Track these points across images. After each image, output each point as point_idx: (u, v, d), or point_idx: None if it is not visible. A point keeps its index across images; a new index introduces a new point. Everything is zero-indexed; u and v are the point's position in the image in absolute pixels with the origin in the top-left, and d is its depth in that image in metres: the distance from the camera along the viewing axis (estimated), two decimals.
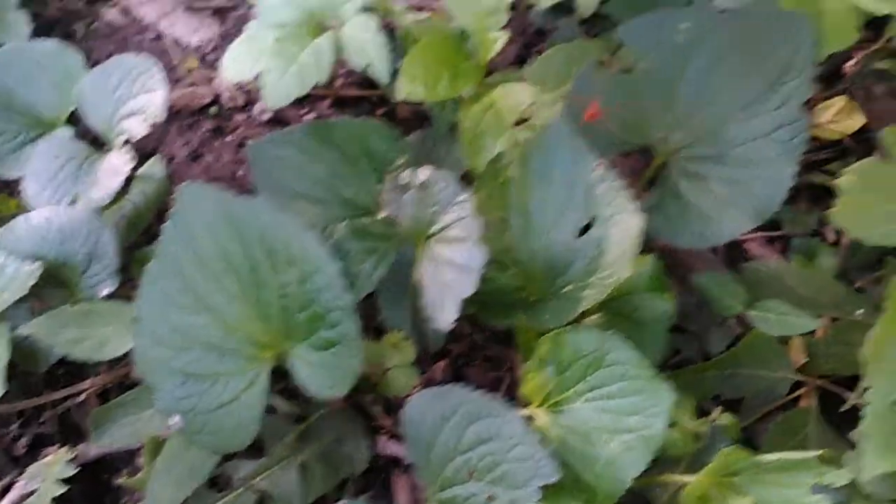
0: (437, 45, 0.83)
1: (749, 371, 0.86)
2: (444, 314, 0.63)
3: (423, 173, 0.69)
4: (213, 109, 1.10)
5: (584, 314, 0.76)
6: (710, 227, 0.75)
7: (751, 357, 0.85)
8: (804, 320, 0.79)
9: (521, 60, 1.23)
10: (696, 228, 0.76)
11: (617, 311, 0.75)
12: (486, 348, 0.91)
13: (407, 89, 0.80)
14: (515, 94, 0.82)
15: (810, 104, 1.18)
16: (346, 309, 0.62)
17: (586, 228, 0.70)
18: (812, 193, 1.10)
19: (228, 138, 1.10)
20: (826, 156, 1.16)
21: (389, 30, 0.94)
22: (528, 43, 1.25)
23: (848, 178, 0.64)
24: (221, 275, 0.65)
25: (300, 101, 1.15)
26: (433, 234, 0.68)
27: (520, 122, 0.81)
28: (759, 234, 1.00)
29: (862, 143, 1.13)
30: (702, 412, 0.79)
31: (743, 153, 0.76)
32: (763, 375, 0.87)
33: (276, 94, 0.84)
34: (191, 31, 1.21)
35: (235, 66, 0.88)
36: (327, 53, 0.85)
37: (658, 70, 0.78)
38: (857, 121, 1.12)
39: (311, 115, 1.13)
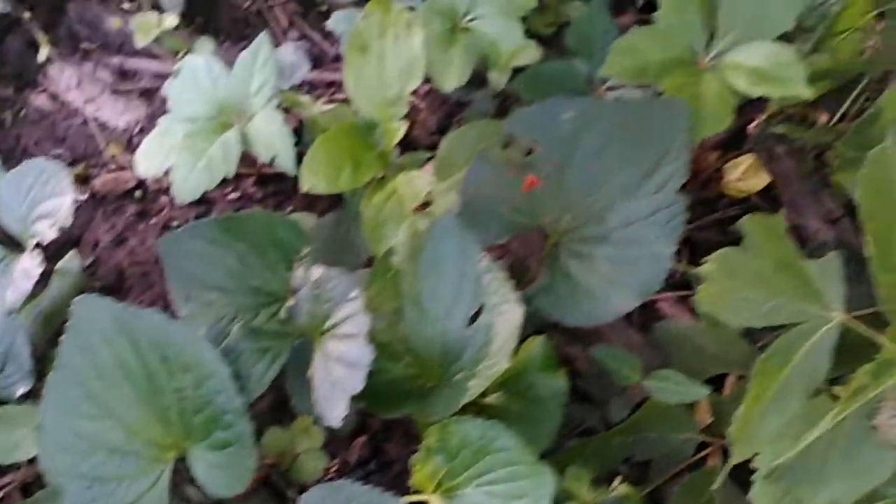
0: (339, 137, 0.87)
1: (655, 434, 0.90)
2: (334, 411, 0.66)
3: (317, 271, 0.72)
4: (137, 193, 1.13)
5: (484, 394, 0.80)
6: (598, 306, 0.79)
7: (655, 421, 0.88)
8: (697, 389, 0.83)
9: (442, 130, 1.27)
10: (584, 307, 0.79)
11: (514, 391, 0.79)
12: (405, 423, 0.93)
13: (308, 182, 0.83)
14: (415, 182, 0.86)
15: (721, 163, 1.24)
16: (238, 411, 0.65)
17: (477, 316, 0.74)
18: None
19: (153, 221, 1.13)
20: (735, 213, 1.21)
21: (299, 121, 0.98)
22: (449, 112, 1.29)
23: (709, 266, 0.68)
24: (120, 383, 0.68)
25: (225, 181, 1.19)
26: (327, 330, 0.71)
27: (420, 208, 0.84)
28: (671, 294, 1.04)
29: (768, 201, 1.19)
30: (613, 476, 0.82)
31: (626, 235, 0.80)
32: (669, 438, 0.90)
33: (185, 189, 0.88)
34: (117, 114, 1.24)
35: (147, 161, 0.91)
36: (234, 147, 0.89)
37: (547, 157, 0.83)
38: (763, 179, 1.17)
39: (236, 195, 1.16)
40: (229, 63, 1.03)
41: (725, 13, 0.88)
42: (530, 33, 1.23)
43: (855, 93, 1.00)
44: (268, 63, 0.91)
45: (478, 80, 1.20)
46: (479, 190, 0.83)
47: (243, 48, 1.29)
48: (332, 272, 0.71)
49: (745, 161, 1.20)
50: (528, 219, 0.84)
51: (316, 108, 0.91)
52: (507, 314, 0.71)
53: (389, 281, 0.74)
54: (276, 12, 1.37)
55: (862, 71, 0.91)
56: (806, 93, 0.80)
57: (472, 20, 1.04)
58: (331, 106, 0.91)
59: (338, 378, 0.66)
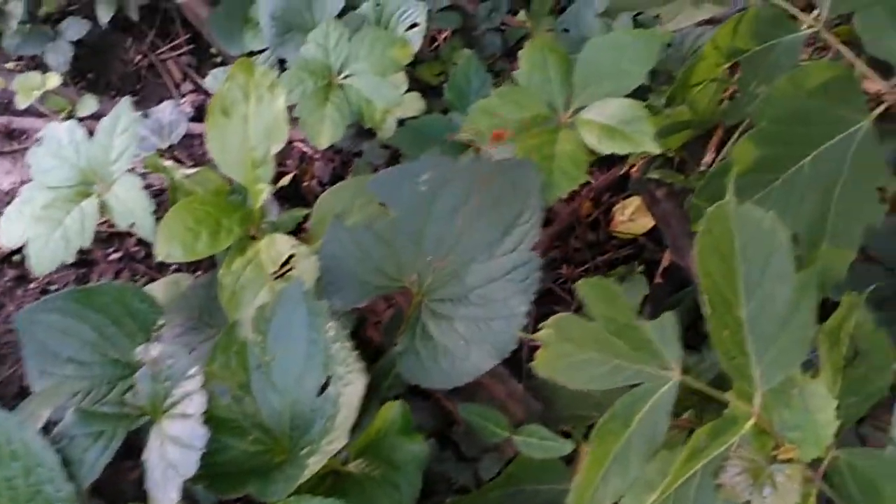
0: (197, 202, 0.86)
1: (532, 486, 0.89)
2: (167, 496, 0.64)
3: (156, 348, 0.71)
4: (17, 257, 1.11)
5: (346, 461, 0.79)
6: (457, 367, 0.79)
7: (529, 474, 0.88)
8: (562, 444, 0.82)
9: (336, 180, 1.27)
10: (444, 368, 0.79)
11: (375, 456, 0.78)
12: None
13: (163, 250, 0.82)
14: (277, 245, 0.85)
15: (610, 204, 1.25)
16: (68, 499, 0.63)
17: (326, 386, 0.73)
18: None
19: (32, 285, 1.10)
20: (626, 253, 1.22)
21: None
22: (344, 161, 1.29)
23: (546, 331, 0.68)
24: None
25: (107, 240, 1.17)
26: (165, 410, 0.69)
27: (281, 273, 0.83)
28: None
29: (655, 241, 1.20)
30: None
31: (484, 294, 0.80)
32: (546, 490, 0.90)
33: (42, 261, 0.86)
34: (2, 174, 1.21)
35: (9, 230, 0.89)
36: (91, 217, 0.87)
37: (406, 218, 0.82)
38: (650, 220, 1.19)
39: (118, 254, 1.14)
40: None
41: (581, 69, 0.89)
42: (419, 83, 1.25)
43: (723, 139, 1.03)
44: (129, 129, 0.90)
45: (369, 130, 1.21)
46: (338, 253, 0.82)
47: (136, 104, 1.28)
48: (171, 349, 0.70)
49: (632, 203, 1.22)
50: (391, 280, 0.83)
51: (180, 172, 0.90)
52: (353, 385, 0.70)
53: (236, 354, 0.73)
54: (169, 65, 1.36)
55: (721, 120, 0.93)
56: (654, 149, 0.81)
57: (346, 77, 1.04)
58: (195, 170, 0.90)
59: (172, 460, 0.65)
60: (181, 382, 0.68)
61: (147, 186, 1.10)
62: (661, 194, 1.12)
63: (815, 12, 0.88)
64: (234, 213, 0.86)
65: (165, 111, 1.08)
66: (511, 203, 0.80)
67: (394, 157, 1.19)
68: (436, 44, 1.41)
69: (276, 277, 0.83)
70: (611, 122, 0.84)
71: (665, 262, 1.17)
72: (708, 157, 1.13)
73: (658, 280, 1.13)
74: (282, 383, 0.73)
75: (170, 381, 0.69)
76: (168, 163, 0.89)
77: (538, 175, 0.80)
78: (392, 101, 1.01)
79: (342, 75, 1.04)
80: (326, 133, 0.99)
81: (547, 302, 1.18)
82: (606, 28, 1.01)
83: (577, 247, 1.20)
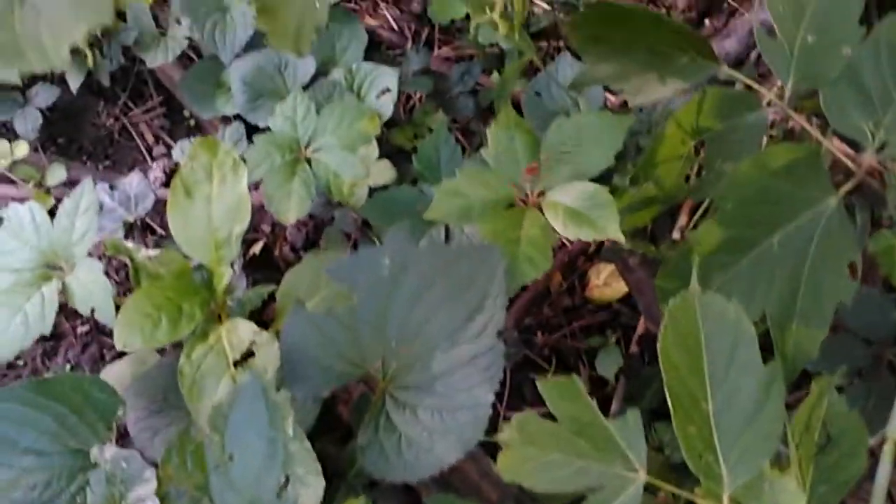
0: (158, 287, 0.84)
1: None
2: None
3: (110, 450, 0.69)
4: None
5: None
6: (421, 459, 0.77)
7: None
8: None
9: (310, 246, 1.26)
10: (408, 460, 0.77)
11: None
12: None
13: (122, 338, 0.80)
14: (239, 331, 0.84)
15: (585, 269, 1.24)
16: None
17: (286, 485, 0.71)
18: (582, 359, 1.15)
19: None
20: (601, 319, 1.21)
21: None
22: (317, 226, 1.29)
23: (508, 433, 0.67)
24: None
25: (76, 312, 1.15)
26: None
27: (241, 361, 0.82)
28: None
29: (630, 307, 1.19)
30: None
31: (447, 382, 0.78)
32: None
33: (1, 348, 0.84)
34: None
35: None
36: (52, 303, 0.86)
37: (368, 303, 0.81)
38: (625, 285, 1.18)
39: (85, 328, 1.12)
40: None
41: (547, 150, 0.89)
42: (391, 147, 1.24)
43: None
44: (90, 209, 0.88)
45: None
46: (300, 340, 0.81)
47: (107, 168, 1.28)
48: (124, 452, 0.68)
49: (607, 268, 1.21)
50: (354, 367, 0.82)
51: (143, 254, 0.88)
52: (312, 487, 0.69)
53: (192, 454, 0.71)
54: (142, 128, 1.35)
55: (687, 197, 0.93)
56: (619, 237, 0.80)
57: (314, 150, 1.04)
58: (157, 252, 0.89)
59: None
60: (136, 486, 0.67)
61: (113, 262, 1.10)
62: (634, 262, 1.11)
63: (779, 88, 0.88)
64: (195, 297, 0.85)
65: (132, 183, 1.07)
66: (475, 289, 0.79)
67: (366, 224, 1.19)
68: (411, 103, 1.41)
69: (238, 365, 0.82)
70: (576, 205, 0.83)
71: (640, 330, 1.16)
72: (679, 226, 1.13)
73: (633, 349, 1.12)
74: (240, 482, 0.71)
75: (124, 483, 0.67)
76: (130, 244, 0.88)
77: (502, 260, 0.79)
78: (360, 175, 1.00)
79: (310, 149, 1.03)
80: (293, 209, 0.98)
81: (524, 370, 1.17)
82: (574, 101, 1.01)
83: (552, 313, 1.19)
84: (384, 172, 1.11)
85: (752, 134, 0.88)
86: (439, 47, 1.49)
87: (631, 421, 0.67)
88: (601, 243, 1.19)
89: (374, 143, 1.12)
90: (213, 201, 0.88)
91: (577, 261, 1.23)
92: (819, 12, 0.86)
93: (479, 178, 0.88)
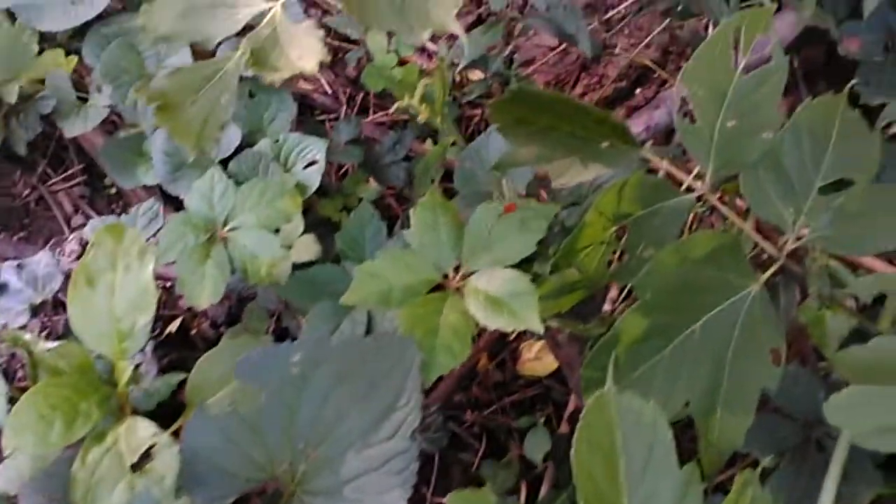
0: (53, 384, 0.79)
1: None
2: None
3: None
4: None
5: None
6: None
7: None
8: None
9: (232, 321, 1.21)
10: None
11: None
12: None
13: (12, 442, 0.75)
14: (138, 431, 0.79)
15: (517, 342, 1.22)
16: None
17: None
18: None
19: None
20: (533, 393, 1.19)
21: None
22: (241, 298, 1.24)
23: None
24: None
25: None
26: None
27: (140, 465, 0.77)
28: None
29: (561, 382, 1.17)
30: None
31: (357, 487, 0.74)
32: None
33: None
34: None
35: None
36: None
37: (276, 402, 0.77)
38: (555, 361, 1.16)
39: None
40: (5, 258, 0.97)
41: (471, 234, 0.87)
42: (318, 219, 1.21)
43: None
44: None
45: None
46: (202, 443, 0.76)
47: (22, 240, 1.22)
48: None
49: (538, 344, 1.19)
50: (260, 471, 0.77)
51: (41, 346, 0.83)
52: None
53: None
54: (60, 197, 1.30)
55: (611, 281, 0.91)
56: (538, 328, 0.78)
57: (231, 230, 1.00)
58: (56, 344, 0.84)
59: None
60: None
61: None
62: (563, 339, 1.09)
63: (697, 173, 0.88)
64: (94, 395, 0.80)
65: (41, 263, 1.02)
66: (388, 386, 0.76)
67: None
68: (344, 169, 1.39)
69: (137, 469, 0.77)
70: (497, 293, 0.81)
71: (571, 407, 1.13)
72: (611, 297, 1.11)
73: (563, 430, 1.09)
74: None
75: None
76: (28, 335, 0.83)
77: (417, 354, 0.76)
78: (278, 256, 0.97)
79: (227, 228, 0.99)
80: (206, 294, 0.94)
81: (453, 449, 1.13)
82: (498, 183, 1.00)
83: (481, 390, 1.16)
84: (308, 248, 1.07)
85: (673, 219, 0.86)
86: (373, 112, 1.47)
87: None
88: None
89: (300, 217, 1.09)
90: (117, 291, 0.83)
91: (508, 334, 1.20)
92: (739, 97, 0.86)
93: (401, 260, 0.85)
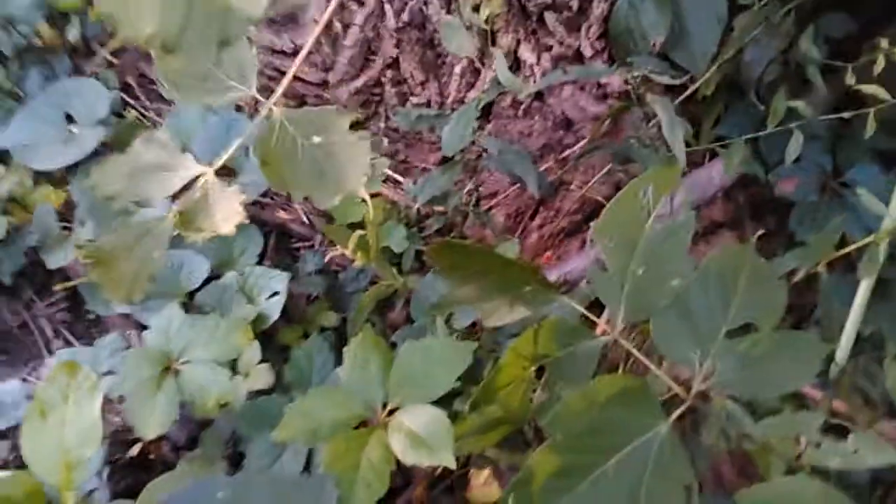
0: None
1: None
2: None
3: None
4: None
5: None
6: None
7: None
8: None
9: (192, 443, 1.26)
10: None
11: None
12: None
13: None
14: None
15: (465, 469, 1.25)
16: None
17: None
18: None
19: None
20: None
21: None
22: (204, 423, 1.29)
23: None
24: None
25: None
26: None
27: None
28: None
29: None
30: None
31: None
32: None
33: None
34: None
35: None
36: None
37: None
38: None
39: None
40: None
41: (397, 372, 0.93)
42: (278, 347, 1.28)
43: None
44: None
45: None
46: None
47: (2, 364, 1.29)
48: None
49: (486, 470, 1.23)
50: None
51: None
52: None
53: None
54: (42, 322, 1.38)
55: (532, 417, 0.96)
56: (450, 463, 0.82)
57: (184, 363, 1.07)
58: (9, 474, 0.90)
59: None
60: None
61: None
62: (505, 466, 1.13)
63: (608, 319, 0.94)
64: None
65: (11, 390, 1.09)
66: None
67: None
68: (314, 297, 1.46)
69: None
70: (418, 429, 0.86)
71: None
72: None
73: None
74: None
75: None
76: None
77: (334, 492, 0.80)
78: (227, 391, 1.03)
79: (181, 361, 1.06)
80: (154, 425, 1.00)
81: None
82: (432, 321, 1.06)
83: None
84: (264, 376, 1.13)
85: (587, 360, 0.92)
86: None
87: None
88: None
89: (257, 346, 1.16)
90: (67, 424, 0.90)
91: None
92: (648, 246, 0.93)
93: (330, 398, 0.91)
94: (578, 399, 0.85)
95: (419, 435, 0.85)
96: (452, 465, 0.82)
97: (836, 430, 0.83)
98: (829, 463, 0.81)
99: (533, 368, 0.93)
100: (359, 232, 0.95)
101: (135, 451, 1.19)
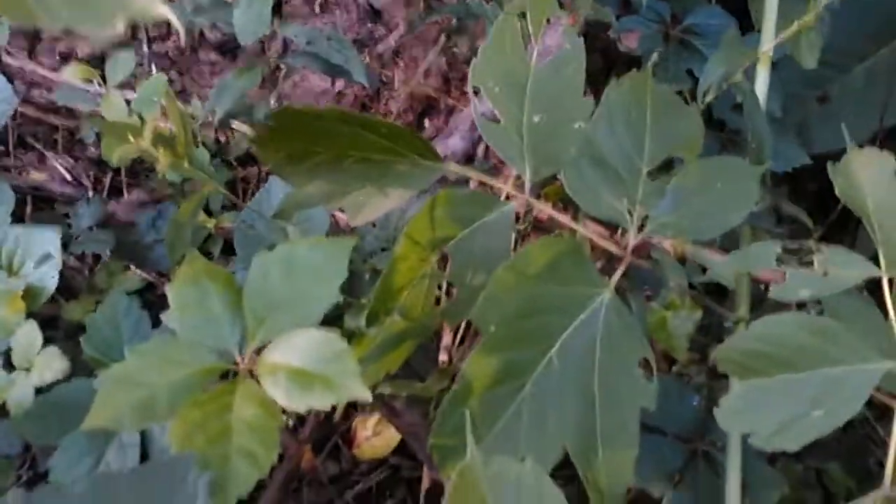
0: None
1: None
2: None
3: None
4: None
5: None
6: None
7: None
8: None
9: None
10: None
11: None
12: None
13: None
14: None
15: (347, 424, 1.02)
16: None
17: None
18: None
19: None
20: (380, 478, 0.98)
21: None
22: None
23: None
24: None
25: None
26: None
27: None
28: None
29: (410, 457, 0.98)
30: None
31: None
32: None
33: None
34: None
35: None
36: None
37: None
38: (396, 434, 0.97)
39: None
40: None
41: (252, 299, 0.67)
42: (69, 326, 0.95)
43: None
44: None
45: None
46: None
47: None
48: None
49: (373, 417, 1.00)
50: None
51: None
52: None
53: None
54: None
55: (442, 324, 0.75)
56: (365, 395, 0.59)
57: None
58: None
59: None
60: None
61: None
62: (401, 405, 0.91)
63: (516, 178, 0.75)
64: None
65: None
66: None
67: None
68: (100, 262, 1.13)
69: None
70: (303, 363, 0.61)
71: (426, 483, 0.95)
72: (444, 346, 0.95)
73: None
74: None
75: None
76: None
77: (200, 476, 0.54)
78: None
79: None
80: None
81: None
82: (284, 233, 0.81)
83: (316, 493, 0.95)
84: (51, 364, 0.81)
85: (497, 235, 0.72)
86: (128, 193, 1.23)
87: None
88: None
89: (34, 326, 0.83)
90: None
91: (332, 416, 1.00)
92: (539, 87, 0.75)
93: (161, 353, 0.63)
94: (505, 275, 0.65)
95: (306, 370, 0.60)
96: (368, 397, 0.58)
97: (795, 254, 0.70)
98: (799, 295, 0.67)
99: (434, 260, 0.71)
100: (154, 122, 0.67)
101: None
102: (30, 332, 0.83)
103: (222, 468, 0.57)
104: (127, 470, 0.58)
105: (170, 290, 0.68)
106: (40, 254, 0.92)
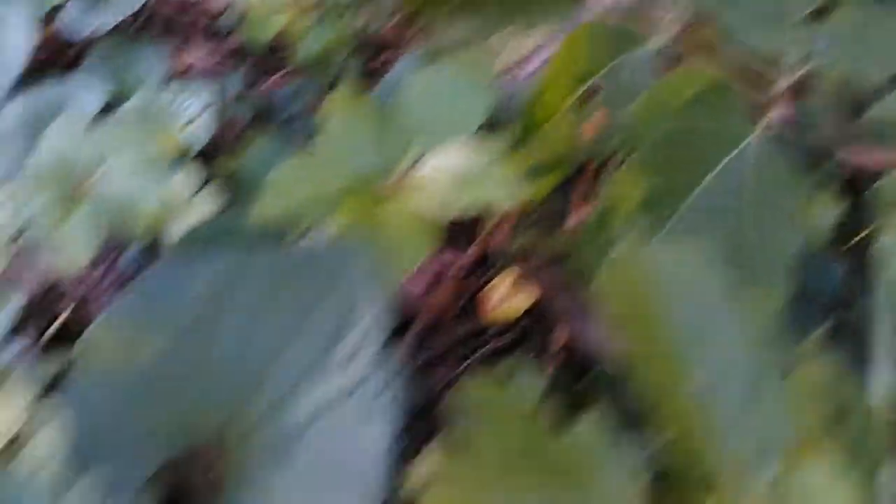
0: None
1: None
2: None
3: None
4: None
5: None
6: None
7: None
8: None
9: None
10: None
11: None
12: None
13: None
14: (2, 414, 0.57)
15: (476, 288, 1.04)
16: None
17: None
18: None
19: None
20: (508, 341, 1.01)
21: None
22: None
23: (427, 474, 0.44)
24: None
25: None
26: None
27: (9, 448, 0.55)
28: None
29: (539, 321, 1.00)
30: None
31: (324, 427, 0.55)
32: None
33: None
34: None
35: None
36: None
37: (184, 341, 0.56)
38: (528, 297, 0.99)
39: None
40: None
41: (400, 121, 0.69)
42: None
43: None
44: None
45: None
46: (91, 410, 0.55)
47: None
48: None
49: (503, 281, 1.02)
50: (180, 433, 0.56)
51: None
52: None
53: None
54: None
55: (590, 155, 0.76)
56: (513, 195, 0.61)
57: (99, 179, 0.79)
58: None
59: None
60: None
61: None
62: (537, 264, 0.93)
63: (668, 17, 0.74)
64: None
65: None
66: (333, 301, 0.57)
67: None
68: (236, 132, 1.19)
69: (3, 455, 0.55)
70: (460, 168, 0.64)
71: (559, 343, 0.97)
72: (580, 195, 0.96)
73: (553, 369, 0.93)
74: None
75: None
76: None
77: (366, 257, 0.57)
78: (163, 201, 0.76)
79: (95, 176, 0.78)
80: (79, 252, 0.72)
81: (423, 418, 0.94)
82: None
83: (448, 347, 0.98)
84: (204, 205, 0.87)
85: (642, 73, 0.72)
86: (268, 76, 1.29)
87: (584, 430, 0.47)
88: (486, 256, 1.01)
89: (196, 169, 0.89)
90: None
91: (464, 283, 1.02)
92: None
93: (315, 168, 0.66)
94: (652, 99, 0.65)
95: (463, 174, 0.62)
96: (514, 197, 0.60)
97: None
98: None
99: (577, 94, 0.72)
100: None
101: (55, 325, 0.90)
102: (188, 170, 0.88)
103: (385, 252, 0.60)
104: (297, 250, 0.61)
105: (321, 121, 0.71)
106: (193, 111, 0.97)
